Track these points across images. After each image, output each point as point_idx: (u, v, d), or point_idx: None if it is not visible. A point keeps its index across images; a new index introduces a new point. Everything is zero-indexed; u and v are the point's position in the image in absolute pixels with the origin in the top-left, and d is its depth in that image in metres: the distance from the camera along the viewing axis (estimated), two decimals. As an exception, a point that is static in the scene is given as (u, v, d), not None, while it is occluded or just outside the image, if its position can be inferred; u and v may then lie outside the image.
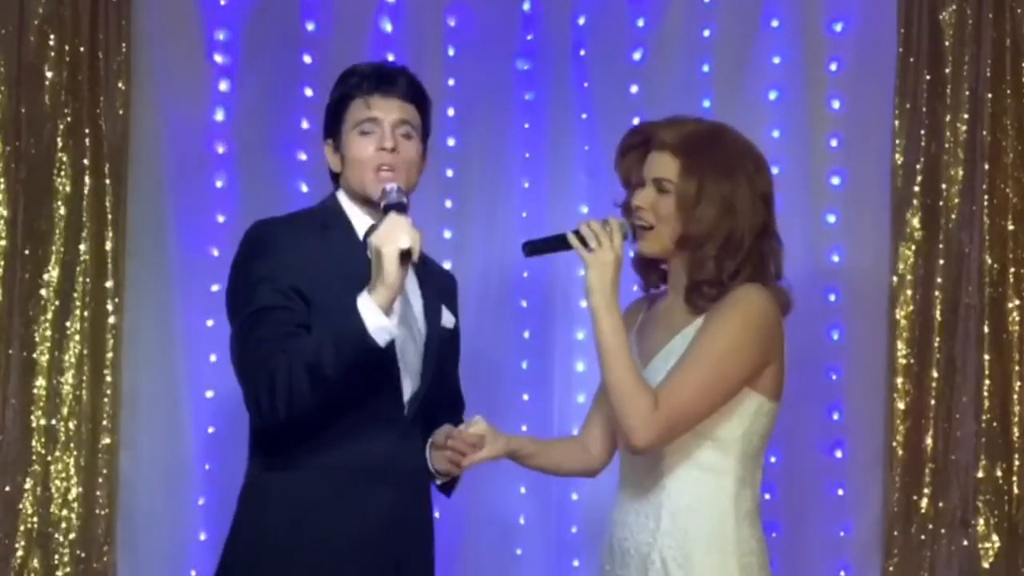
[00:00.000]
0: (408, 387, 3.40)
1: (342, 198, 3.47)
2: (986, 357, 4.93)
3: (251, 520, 3.39)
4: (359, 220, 3.42)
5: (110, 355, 4.98)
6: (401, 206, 3.29)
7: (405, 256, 3.19)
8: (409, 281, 3.42)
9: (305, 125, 5.02)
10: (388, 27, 5.14)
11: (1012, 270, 4.94)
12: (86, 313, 4.98)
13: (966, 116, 4.97)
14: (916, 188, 4.98)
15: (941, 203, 4.98)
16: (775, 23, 5.08)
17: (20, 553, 4.93)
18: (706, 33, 5.11)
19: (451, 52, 5.16)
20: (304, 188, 5.01)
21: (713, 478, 3.38)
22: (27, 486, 4.94)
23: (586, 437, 3.63)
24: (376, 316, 3.18)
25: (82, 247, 4.98)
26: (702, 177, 3.37)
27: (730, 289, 3.39)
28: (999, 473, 4.91)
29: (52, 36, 4.98)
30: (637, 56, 5.14)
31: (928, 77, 4.98)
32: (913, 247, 4.99)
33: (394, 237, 3.18)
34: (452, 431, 3.43)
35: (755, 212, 3.40)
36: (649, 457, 3.37)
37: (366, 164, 3.39)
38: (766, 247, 3.44)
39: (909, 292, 4.97)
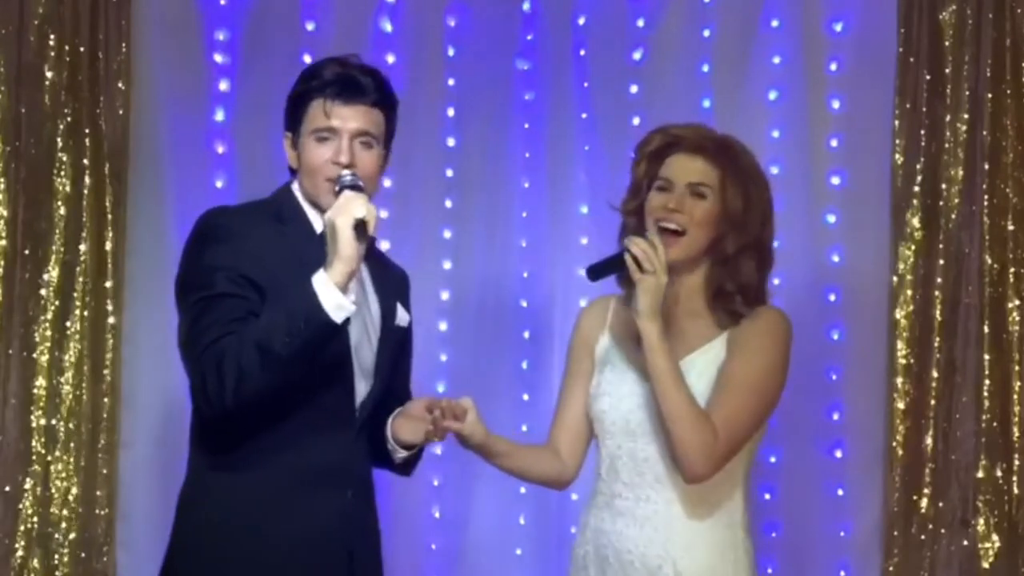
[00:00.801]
0: (361, 387, 3.30)
1: (297, 192, 3.36)
2: (986, 357, 4.93)
3: (193, 522, 3.27)
4: (315, 218, 3.31)
5: (110, 355, 4.98)
6: (356, 188, 3.19)
7: (361, 230, 3.10)
8: (363, 277, 3.34)
9: (305, 125, 5.01)
10: (388, 27, 5.14)
11: (1012, 270, 4.94)
12: (86, 313, 4.98)
13: (966, 116, 4.97)
14: (916, 188, 4.98)
15: (941, 203, 4.98)
16: (775, 23, 5.08)
17: (20, 553, 4.93)
18: (706, 33, 5.11)
19: (451, 52, 5.16)
20: (304, 188, 5.01)
21: (725, 488, 3.37)
22: (27, 486, 4.93)
23: (556, 445, 3.54)
24: (332, 293, 3.07)
25: (82, 247, 4.98)
26: (747, 187, 3.38)
27: (753, 308, 3.38)
28: (999, 473, 4.91)
29: (52, 36, 4.98)
30: (637, 56, 5.14)
31: (928, 77, 4.98)
32: (913, 247, 4.98)
33: (348, 209, 3.10)
34: (434, 399, 3.33)
35: (773, 224, 3.44)
36: (656, 466, 3.35)
37: (320, 174, 3.28)
38: None
39: (909, 292, 4.97)
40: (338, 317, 3.09)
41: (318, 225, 3.27)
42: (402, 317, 3.41)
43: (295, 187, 3.37)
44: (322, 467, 3.24)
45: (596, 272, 3.40)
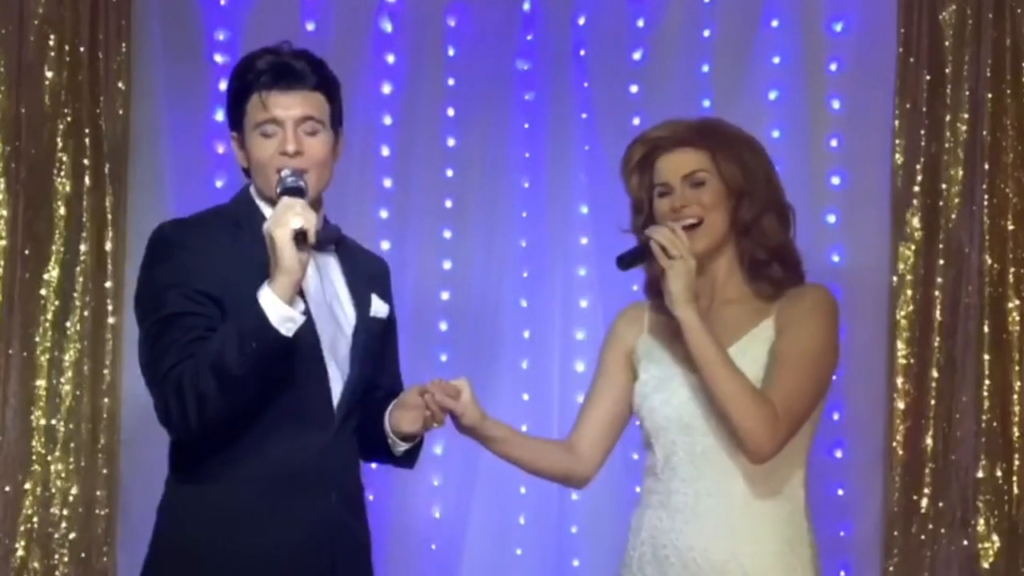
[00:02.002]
0: (338, 383, 3.19)
1: (255, 194, 3.27)
2: (986, 357, 4.93)
3: (168, 538, 3.19)
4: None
5: (110, 355, 4.98)
6: (297, 190, 3.09)
7: (301, 239, 3.00)
8: (333, 270, 3.28)
9: (305, 124, 5.01)
10: (388, 27, 5.14)
11: (1012, 270, 4.94)
12: (86, 313, 4.98)
13: (966, 116, 4.97)
14: (916, 188, 4.98)
15: (941, 203, 4.98)
16: (775, 23, 5.08)
17: (20, 553, 4.93)
18: (706, 33, 5.11)
19: (451, 52, 5.16)
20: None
21: (789, 479, 3.33)
22: (27, 486, 4.93)
23: (576, 442, 3.48)
24: (278, 307, 2.98)
25: (82, 247, 4.98)
26: (740, 154, 3.36)
27: (793, 284, 3.37)
28: (999, 473, 4.91)
29: (52, 36, 4.98)
30: (637, 56, 5.14)
31: (928, 77, 4.98)
32: (913, 247, 4.98)
33: (285, 219, 2.98)
34: (426, 384, 3.24)
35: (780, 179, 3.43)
36: (714, 459, 3.30)
37: (270, 168, 3.16)
38: None
39: (909, 292, 4.97)
40: (287, 331, 3.01)
41: None
42: (379, 308, 3.31)
43: (252, 190, 3.29)
44: (299, 471, 3.13)
45: (626, 261, 3.37)
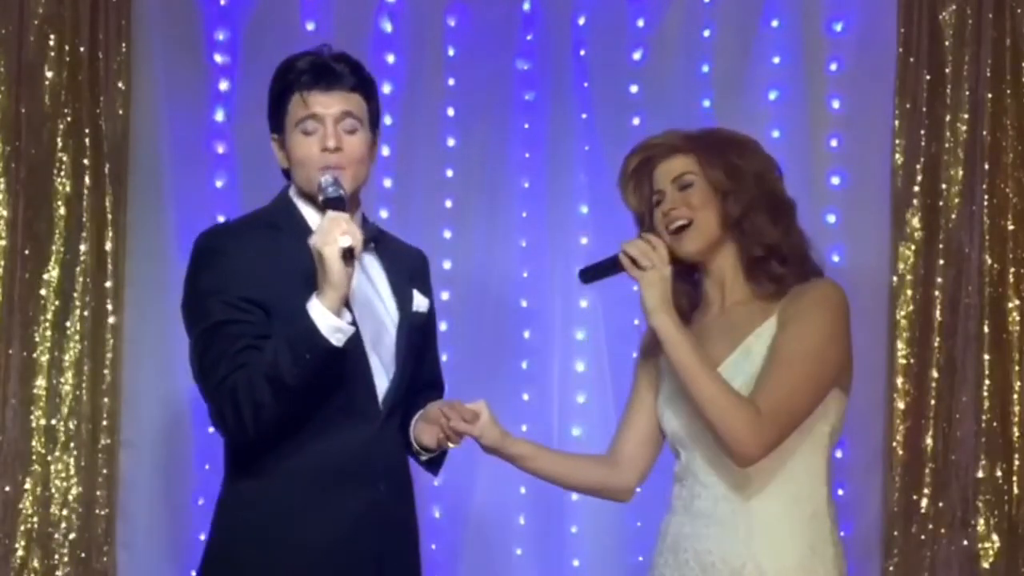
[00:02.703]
0: (382, 378, 3.29)
1: (294, 195, 3.35)
2: (986, 357, 4.93)
3: (224, 532, 3.28)
4: (312, 218, 3.29)
5: (110, 355, 4.98)
6: (339, 200, 3.16)
7: (348, 254, 3.08)
8: (373, 267, 3.34)
9: (305, 125, 5.01)
10: (388, 27, 5.14)
11: (1012, 270, 4.94)
12: (86, 313, 4.98)
13: (966, 116, 4.97)
14: (916, 188, 4.98)
15: (941, 203, 4.98)
16: (775, 23, 5.08)
17: (20, 553, 4.93)
18: (706, 33, 5.11)
19: (451, 52, 5.16)
20: (304, 188, 5.01)
21: (808, 480, 3.31)
22: (27, 486, 4.94)
23: (616, 454, 3.51)
24: (328, 318, 3.08)
25: (82, 247, 4.98)
26: (725, 155, 3.35)
27: (798, 280, 3.35)
28: (999, 473, 4.91)
29: (52, 36, 4.99)
30: (637, 56, 5.14)
31: (928, 77, 4.98)
32: (913, 247, 4.99)
33: (333, 237, 3.07)
34: (448, 403, 3.33)
35: (776, 179, 3.42)
36: (731, 465, 3.27)
37: (311, 164, 3.26)
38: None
39: (909, 292, 4.97)
40: (338, 341, 3.10)
41: (315, 223, 3.23)
42: (420, 302, 3.40)
43: (292, 191, 3.35)
44: (346, 464, 3.22)
45: (589, 274, 3.39)
